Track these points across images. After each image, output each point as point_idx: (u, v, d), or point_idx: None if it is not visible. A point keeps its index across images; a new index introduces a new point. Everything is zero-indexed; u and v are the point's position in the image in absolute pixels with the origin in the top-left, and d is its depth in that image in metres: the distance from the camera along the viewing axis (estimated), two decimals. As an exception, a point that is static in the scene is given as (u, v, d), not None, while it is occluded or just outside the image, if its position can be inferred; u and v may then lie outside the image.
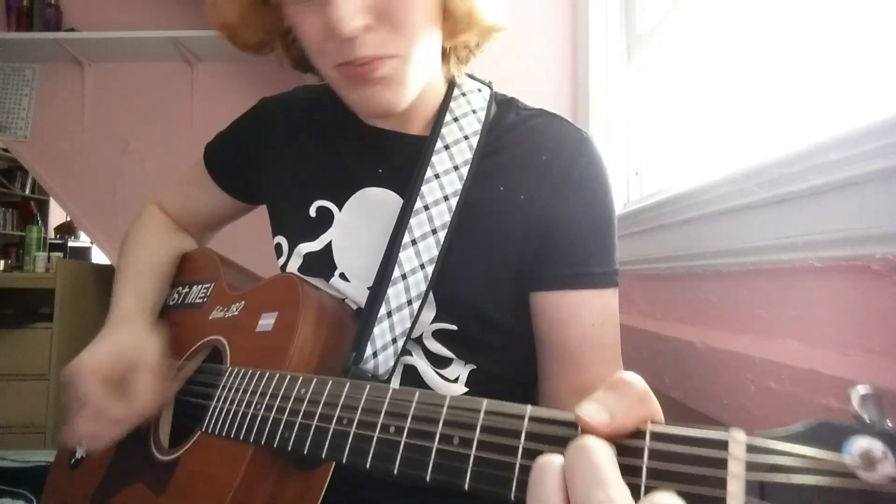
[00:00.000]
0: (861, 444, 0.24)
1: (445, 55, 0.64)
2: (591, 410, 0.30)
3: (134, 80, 2.39)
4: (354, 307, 0.61)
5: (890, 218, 0.45)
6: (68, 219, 3.89)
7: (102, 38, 2.23)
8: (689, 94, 1.01)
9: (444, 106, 0.64)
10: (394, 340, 0.56)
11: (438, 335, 0.60)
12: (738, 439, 0.27)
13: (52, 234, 4.33)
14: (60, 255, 3.67)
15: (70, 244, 4.17)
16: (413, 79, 0.56)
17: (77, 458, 0.69)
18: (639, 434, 0.29)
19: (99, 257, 3.47)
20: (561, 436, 0.31)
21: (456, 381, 0.60)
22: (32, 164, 2.40)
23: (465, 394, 0.60)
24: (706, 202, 0.72)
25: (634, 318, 0.95)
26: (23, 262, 3.19)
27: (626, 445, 0.29)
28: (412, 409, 0.38)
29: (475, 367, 0.61)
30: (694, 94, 0.99)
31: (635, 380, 0.30)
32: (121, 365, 0.59)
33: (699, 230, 0.76)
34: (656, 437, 0.29)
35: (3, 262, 3.24)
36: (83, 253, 3.97)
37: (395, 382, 0.59)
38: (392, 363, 0.57)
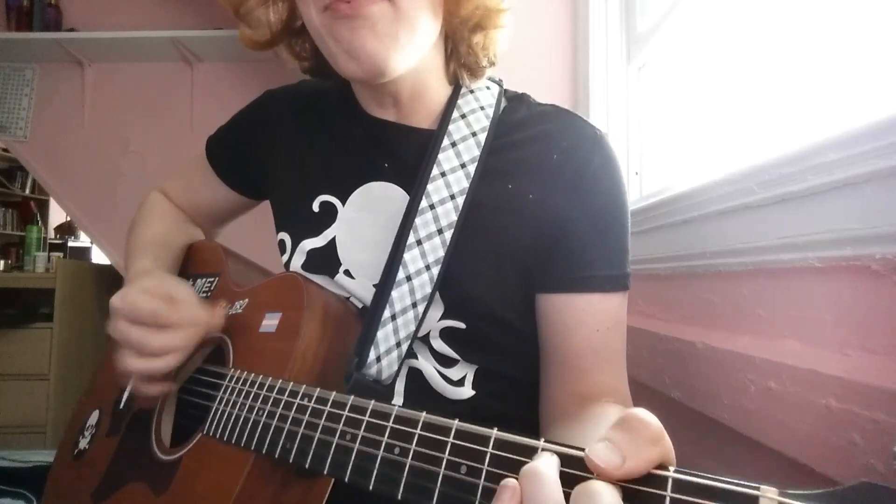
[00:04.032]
0: None
1: (448, 57, 0.63)
2: (602, 452, 0.28)
3: (134, 80, 2.39)
4: (360, 305, 0.61)
5: (890, 218, 0.45)
6: (68, 219, 3.89)
7: (102, 38, 2.23)
8: (689, 94, 1.01)
9: (450, 102, 0.63)
10: (398, 344, 0.55)
11: (445, 334, 0.59)
12: (770, 497, 0.24)
13: (52, 234, 4.33)
14: (60, 255, 3.68)
15: (70, 244, 4.17)
16: (403, 36, 0.53)
17: (80, 448, 0.69)
18: (660, 482, 0.27)
19: (99, 257, 3.47)
20: (574, 473, 0.30)
21: (462, 382, 0.59)
22: (32, 164, 2.41)
23: (472, 396, 0.59)
24: (706, 202, 0.72)
25: (634, 318, 0.95)
26: (23, 262, 3.19)
27: (646, 492, 0.27)
28: (418, 430, 0.37)
29: (481, 367, 0.60)
30: (694, 94, 0.99)
31: (648, 418, 0.29)
32: (157, 299, 0.57)
33: (699, 230, 0.76)
34: (679, 486, 0.27)
35: (3, 262, 3.24)
36: (83, 253, 3.96)
37: (399, 387, 0.59)
38: (396, 367, 0.56)
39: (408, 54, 0.55)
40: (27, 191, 4.42)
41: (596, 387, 0.57)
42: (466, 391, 0.59)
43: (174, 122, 2.36)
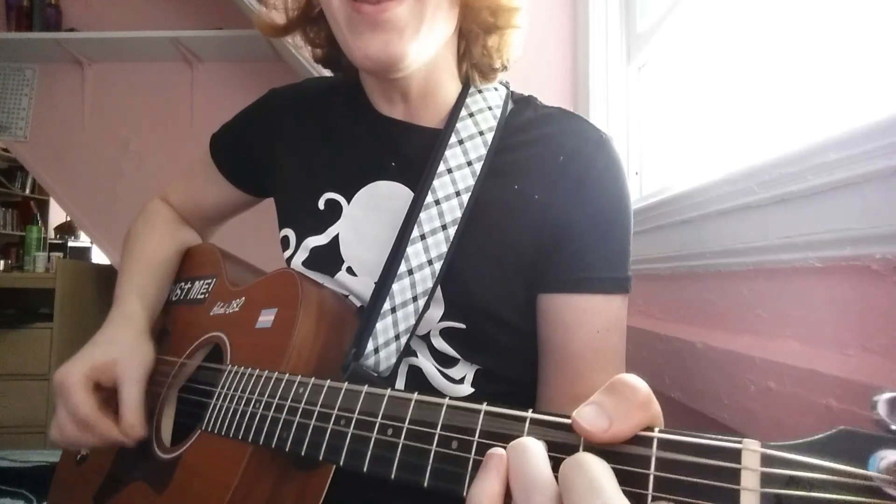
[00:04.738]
0: (889, 457, 0.22)
1: (461, 57, 0.64)
2: (588, 414, 0.28)
3: (134, 80, 2.39)
4: (359, 303, 0.61)
5: (890, 218, 0.45)
6: (68, 219, 3.88)
7: (102, 38, 2.23)
8: (689, 94, 1.01)
9: (459, 101, 0.63)
10: (397, 337, 0.56)
11: (446, 334, 0.59)
12: (752, 449, 0.25)
13: (52, 234, 4.32)
14: (60, 255, 3.67)
15: (70, 244, 4.16)
16: (424, 29, 0.54)
17: (83, 454, 0.70)
18: (645, 441, 0.27)
19: (99, 257, 3.47)
20: (562, 442, 0.30)
21: (462, 381, 0.60)
22: (32, 164, 2.40)
23: (472, 394, 0.59)
24: (706, 202, 0.72)
25: (634, 318, 0.95)
26: (23, 262, 3.19)
27: (631, 454, 0.27)
28: (410, 410, 0.37)
29: (481, 367, 0.60)
30: (694, 94, 0.99)
31: (637, 382, 0.29)
32: (109, 378, 0.59)
33: (699, 230, 0.76)
34: (664, 445, 0.27)
35: (3, 262, 3.24)
36: (83, 253, 3.96)
37: (399, 384, 0.59)
38: (394, 360, 0.56)
39: (425, 48, 0.55)
40: (27, 191, 4.42)
41: (593, 389, 0.56)
42: (466, 388, 0.59)
43: (174, 122, 2.36)
